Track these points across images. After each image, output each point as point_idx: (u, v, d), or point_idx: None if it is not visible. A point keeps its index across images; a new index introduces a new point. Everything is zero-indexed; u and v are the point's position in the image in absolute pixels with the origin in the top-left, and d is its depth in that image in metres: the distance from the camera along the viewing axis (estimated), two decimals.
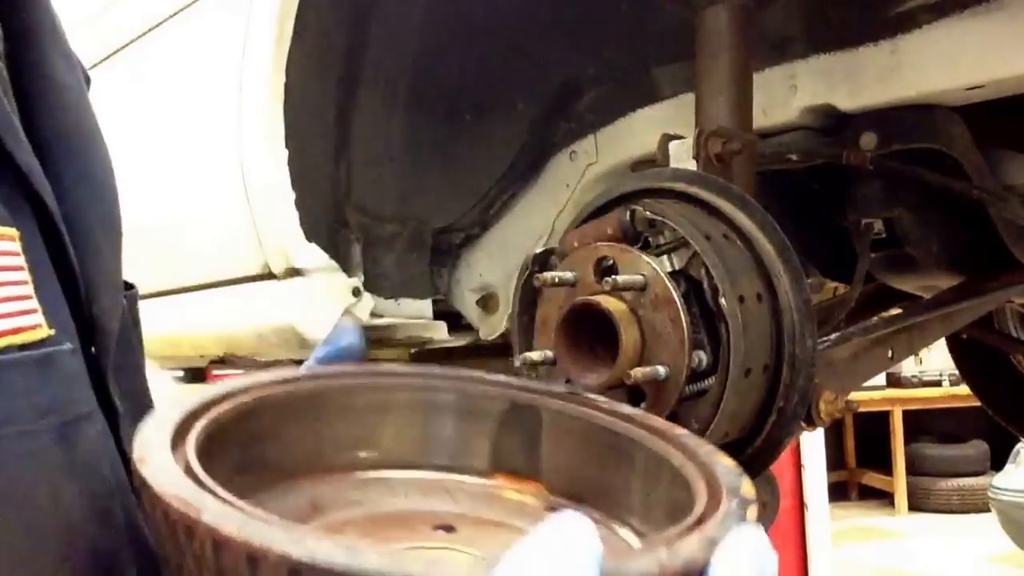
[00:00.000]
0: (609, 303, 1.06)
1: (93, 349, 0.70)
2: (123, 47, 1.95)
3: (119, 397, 0.71)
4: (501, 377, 0.79)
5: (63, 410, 0.63)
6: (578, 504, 0.70)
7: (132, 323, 0.79)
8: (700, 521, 0.54)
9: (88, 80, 0.83)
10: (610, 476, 0.70)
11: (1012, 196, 1.46)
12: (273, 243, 1.61)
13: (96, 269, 0.71)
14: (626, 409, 0.74)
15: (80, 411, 0.65)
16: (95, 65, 2.04)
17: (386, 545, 0.50)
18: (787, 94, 1.48)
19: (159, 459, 0.54)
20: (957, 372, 2.46)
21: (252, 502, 0.52)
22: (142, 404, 0.75)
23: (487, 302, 1.99)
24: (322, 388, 0.74)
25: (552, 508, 0.71)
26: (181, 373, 3.05)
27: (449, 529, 0.69)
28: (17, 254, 0.62)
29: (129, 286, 0.81)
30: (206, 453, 0.58)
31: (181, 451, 0.57)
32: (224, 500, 0.51)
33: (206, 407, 0.65)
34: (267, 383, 0.72)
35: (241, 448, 0.66)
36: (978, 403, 2.37)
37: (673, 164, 1.36)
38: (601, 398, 0.76)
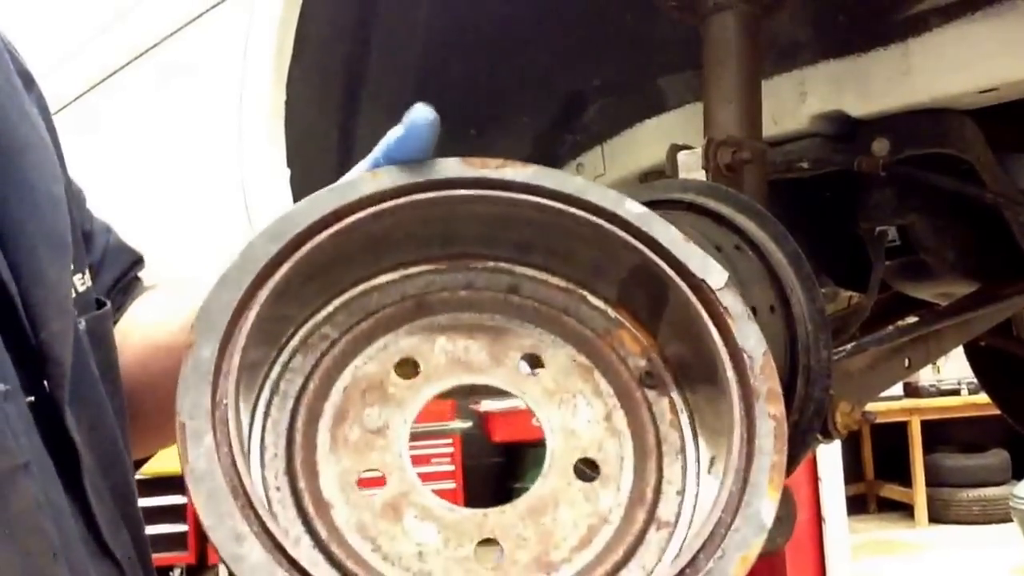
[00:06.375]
0: None
1: (46, 384, 0.61)
2: (122, 68, 1.95)
3: (80, 435, 0.62)
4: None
5: None
6: (673, 381, 0.74)
7: (99, 346, 0.69)
8: None
9: (31, 81, 0.74)
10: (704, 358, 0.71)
11: None
12: None
13: (42, 292, 0.62)
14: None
15: (14, 462, 0.56)
16: (95, 86, 2.04)
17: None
18: (797, 101, 1.47)
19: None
20: (975, 380, 2.45)
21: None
22: (108, 441, 0.66)
23: None
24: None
25: (646, 381, 0.74)
26: None
27: (535, 364, 0.71)
28: None
29: (101, 303, 0.73)
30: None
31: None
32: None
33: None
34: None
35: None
36: (998, 411, 2.35)
37: (682, 175, 1.34)
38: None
